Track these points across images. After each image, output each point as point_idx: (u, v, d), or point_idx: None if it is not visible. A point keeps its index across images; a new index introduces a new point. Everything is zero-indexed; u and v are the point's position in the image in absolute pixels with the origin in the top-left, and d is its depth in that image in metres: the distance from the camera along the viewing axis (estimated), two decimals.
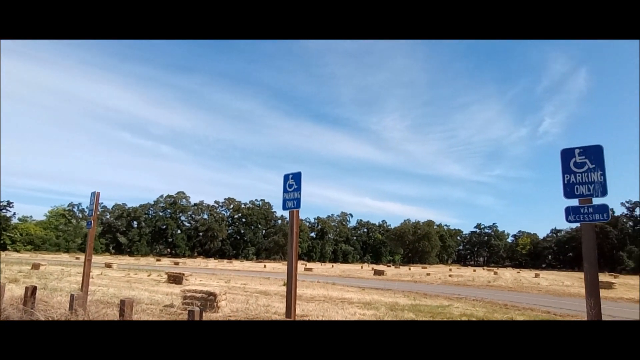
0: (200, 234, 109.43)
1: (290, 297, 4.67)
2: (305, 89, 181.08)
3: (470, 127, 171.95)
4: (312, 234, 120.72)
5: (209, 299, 9.49)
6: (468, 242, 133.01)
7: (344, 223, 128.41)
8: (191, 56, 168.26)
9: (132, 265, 39.23)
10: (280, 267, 53.01)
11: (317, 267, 61.67)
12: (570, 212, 3.59)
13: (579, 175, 3.59)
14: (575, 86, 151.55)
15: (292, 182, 5.23)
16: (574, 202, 3.62)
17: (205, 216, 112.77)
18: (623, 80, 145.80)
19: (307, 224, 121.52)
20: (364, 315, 10.17)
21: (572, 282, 34.30)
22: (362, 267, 66.62)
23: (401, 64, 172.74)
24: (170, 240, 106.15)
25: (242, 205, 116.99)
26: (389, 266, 79.31)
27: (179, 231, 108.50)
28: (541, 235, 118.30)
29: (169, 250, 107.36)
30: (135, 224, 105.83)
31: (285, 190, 5.30)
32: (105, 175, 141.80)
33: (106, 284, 16.08)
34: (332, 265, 74.51)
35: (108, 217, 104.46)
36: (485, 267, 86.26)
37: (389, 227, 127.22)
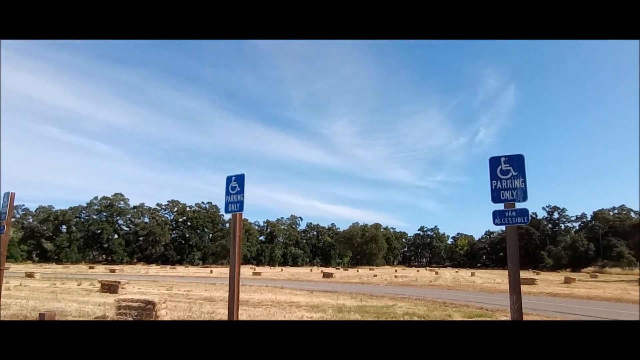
0: (141, 238, 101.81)
1: (233, 303, 4.54)
2: (256, 90, 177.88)
3: (415, 135, 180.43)
4: (262, 238, 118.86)
5: (146, 309, 8.81)
6: (412, 244, 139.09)
7: (293, 226, 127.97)
8: (130, 48, 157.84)
9: (59, 273, 35.70)
10: (228, 272, 51.42)
11: (266, 271, 60.83)
12: (496, 216, 3.90)
13: (504, 182, 3.92)
14: (506, 100, 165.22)
15: (235, 185, 5.10)
16: (500, 206, 3.96)
17: (147, 220, 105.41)
18: (547, 96, 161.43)
19: (257, 227, 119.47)
20: (312, 318, 10.20)
21: (502, 279, 37.17)
22: (311, 270, 66.86)
23: (350, 71, 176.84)
24: (105, 245, 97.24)
25: (188, 208, 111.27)
26: (338, 269, 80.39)
27: (115, 236, 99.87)
28: (477, 236, 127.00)
29: (104, 256, 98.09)
30: (64, 228, 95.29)
31: (227, 193, 5.15)
32: (27, 174, 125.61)
33: (26, 296, 14.52)
34: (282, 269, 73.94)
35: (30, 220, 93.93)
36: (427, 268, 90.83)
37: (338, 230, 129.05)
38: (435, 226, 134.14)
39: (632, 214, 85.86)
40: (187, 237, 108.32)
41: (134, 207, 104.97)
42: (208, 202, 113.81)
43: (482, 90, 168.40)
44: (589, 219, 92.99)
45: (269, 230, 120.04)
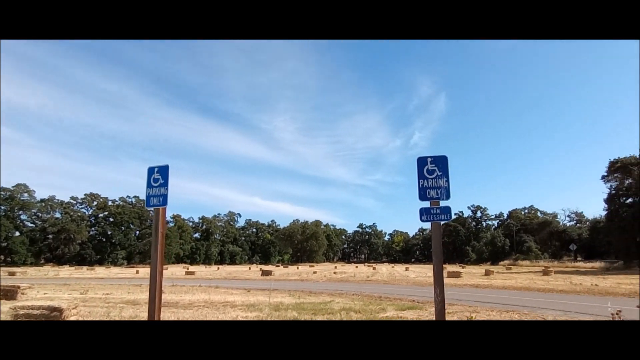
0: (50, 236, 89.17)
1: (154, 305, 4.19)
2: (191, 78, 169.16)
3: (355, 135, 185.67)
4: (196, 235, 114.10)
5: (52, 316, 7.72)
6: (352, 240, 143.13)
7: (231, 223, 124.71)
8: None
9: None
10: None
11: (200, 270, 58.49)
12: (423, 213, 4.08)
13: (430, 181, 4.10)
14: (437, 107, 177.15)
15: (158, 177, 4.70)
16: (426, 204, 4.14)
17: (58, 215, 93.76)
18: (473, 104, 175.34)
19: (191, 224, 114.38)
20: (247, 318, 9.93)
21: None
22: (250, 268, 65.68)
23: (292, 67, 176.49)
24: (4, 244, 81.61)
25: (111, 203, 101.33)
26: (278, 266, 79.96)
27: (17, 233, 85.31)
28: (411, 233, 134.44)
29: (2, 257, 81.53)
30: None
31: (149, 185, 4.73)
32: None
33: None
34: (218, 268, 71.65)
35: None
36: (366, 264, 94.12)
37: (279, 227, 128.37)
38: (374, 223, 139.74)
39: (539, 214, 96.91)
40: (109, 234, 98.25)
41: (42, 201, 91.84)
42: (135, 197, 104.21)
43: (417, 96, 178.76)
44: (505, 217, 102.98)
45: (204, 227, 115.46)
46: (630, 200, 48.10)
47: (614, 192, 49.51)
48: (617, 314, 5.66)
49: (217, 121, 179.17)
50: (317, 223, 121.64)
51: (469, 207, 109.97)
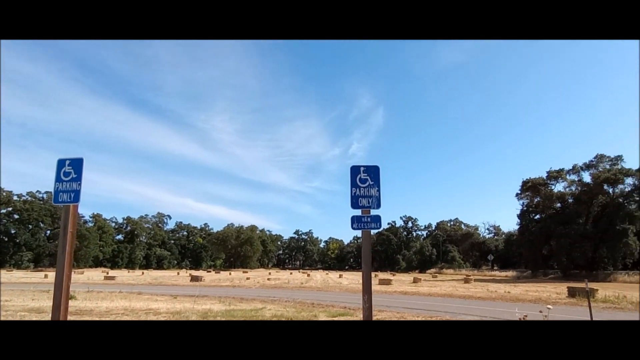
0: None
1: (58, 313, 3.73)
2: (121, 67, 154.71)
3: (295, 140, 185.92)
4: (119, 237, 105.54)
5: None
6: (287, 246, 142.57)
7: (160, 225, 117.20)
8: None
9: None
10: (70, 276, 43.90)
11: (122, 274, 54.07)
12: (354, 221, 4.15)
13: (362, 190, 4.20)
14: (375, 120, 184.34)
15: (70, 170, 4.20)
16: (358, 212, 4.24)
17: None
18: (408, 119, 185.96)
19: (113, 224, 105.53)
20: None
21: None
22: (178, 274, 62.21)
23: (233, 66, 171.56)
24: None
25: (16, 198, 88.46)
26: (209, 271, 76.87)
27: None
28: (346, 241, 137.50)
29: None
30: None
31: (58, 179, 4.21)
32: None
33: None
34: (143, 273, 66.85)
35: None
36: (300, 270, 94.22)
37: (212, 231, 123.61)
38: (310, 230, 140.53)
39: (463, 226, 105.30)
40: (13, 233, 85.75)
41: None
42: (47, 192, 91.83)
43: (357, 108, 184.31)
44: (433, 228, 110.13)
45: (129, 228, 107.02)
46: (538, 216, 54.29)
47: (525, 208, 55.51)
48: (523, 318, 6.28)
49: (149, 116, 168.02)
50: (253, 228, 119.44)
51: (401, 218, 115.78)
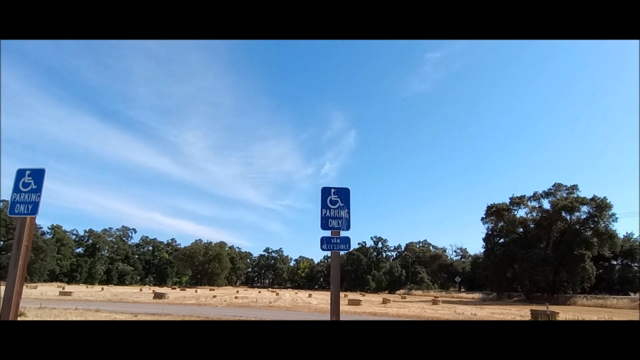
0: None
1: None
2: (92, 77, 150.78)
3: (267, 158, 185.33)
4: (79, 250, 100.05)
5: None
6: (257, 264, 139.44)
7: (124, 239, 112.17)
8: None
9: None
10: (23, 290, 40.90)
11: (80, 290, 50.98)
12: (324, 242, 4.18)
13: (332, 211, 4.26)
14: (348, 142, 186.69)
15: (30, 181, 3.98)
16: (328, 233, 4.27)
17: None
18: (380, 142, 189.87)
19: (74, 236, 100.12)
20: None
21: None
22: (141, 290, 59.32)
23: (209, 83, 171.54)
24: None
25: None
26: (174, 288, 73.83)
27: None
28: (317, 260, 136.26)
29: None
30: None
31: (17, 190, 3.96)
32: None
33: None
34: (102, 288, 63.28)
35: None
36: (269, 289, 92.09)
37: (179, 247, 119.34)
38: (280, 248, 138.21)
39: (431, 248, 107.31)
40: None
41: None
42: (3, 201, 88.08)
43: (330, 130, 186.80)
44: (403, 249, 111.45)
45: (90, 241, 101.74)
46: (502, 240, 56.20)
47: (489, 232, 57.38)
48: None
49: (119, 127, 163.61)
50: (222, 244, 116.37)
51: (371, 238, 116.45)
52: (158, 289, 57.25)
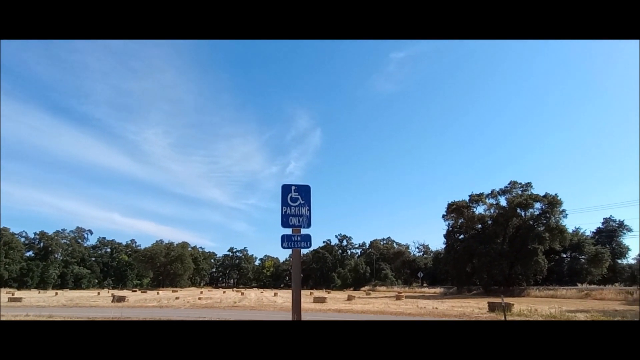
0: None
1: None
2: (42, 70, 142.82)
3: (232, 157, 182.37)
4: (29, 253, 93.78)
5: None
6: (221, 264, 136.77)
7: (79, 241, 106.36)
8: None
9: None
10: None
11: (32, 295, 47.79)
12: (284, 240, 4.17)
13: (293, 208, 4.26)
14: (313, 140, 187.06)
15: None
16: (288, 231, 4.27)
17: None
18: (345, 141, 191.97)
19: (23, 239, 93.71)
20: None
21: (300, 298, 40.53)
22: (99, 294, 56.48)
23: (170, 79, 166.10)
24: None
25: None
26: (135, 291, 70.94)
27: None
28: (282, 259, 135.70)
29: None
30: None
31: None
32: None
33: None
34: (57, 293, 59.62)
35: None
36: (234, 289, 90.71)
37: (139, 248, 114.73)
38: (245, 248, 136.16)
39: (395, 244, 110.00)
40: None
41: None
42: None
43: (295, 128, 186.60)
44: (367, 246, 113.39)
45: (42, 244, 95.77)
46: (462, 236, 58.61)
47: (450, 229, 59.67)
48: None
49: (73, 124, 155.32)
50: (184, 245, 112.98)
51: (336, 236, 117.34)
52: (117, 292, 54.71)
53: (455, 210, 57.22)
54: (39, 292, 63.79)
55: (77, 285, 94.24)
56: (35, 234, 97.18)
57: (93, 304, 31.60)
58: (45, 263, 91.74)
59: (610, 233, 67.13)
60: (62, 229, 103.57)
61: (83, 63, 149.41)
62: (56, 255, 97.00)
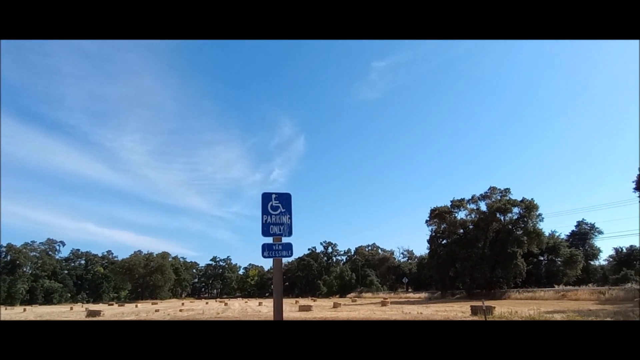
0: None
1: None
2: (11, 75, 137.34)
3: (214, 164, 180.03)
4: None
5: None
6: (203, 274, 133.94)
7: (50, 253, 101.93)
8: None
9: None
10: None
11: None
12: (265, 249, 3.94)
13: (273, 217, 4.03)
14: (297, 148, 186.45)
15: None
16: (269, 240, 4.03)
17: None
18: (330, 148, 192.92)
19: None
20: None
21: (285, 307, 39.89)
22: (72, 309, 54.15)
23: (148, 85, 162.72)
24: None
25: None
26: (112, 304, 68.39)
27: None
28: (266, 267, 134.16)
29: None
30: None
31: None
32: None
33: None
34: (25, 309, 56.74)
35: None
36: (217, 299, 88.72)
37: (116, 259, 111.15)
38: (228, 257, 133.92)
39: (380, 250, 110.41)
40: None
41: None
42: None
43: (279, 135, 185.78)
44: (352, 253, 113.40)
45: (8, 257, 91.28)
46: (444, 241, 59.26)
47: (433, 234, 60.26)
48: None
49: (44, 130, 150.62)
50: (164, 255, 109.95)
51: (321, 243, 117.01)
52: (92, 307, 52.57)
53: (437, 215, 57.85)
54: (5, 309, 60.58)
55: (47, 300, 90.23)
56: (1, 246, 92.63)
57: (64, 319, 30.15)
58: (12, 277, 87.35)
59: (582, 236, 69.44)
60: (31, 241, 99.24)
61: (56, 67, 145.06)
62: (24, 269, 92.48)
